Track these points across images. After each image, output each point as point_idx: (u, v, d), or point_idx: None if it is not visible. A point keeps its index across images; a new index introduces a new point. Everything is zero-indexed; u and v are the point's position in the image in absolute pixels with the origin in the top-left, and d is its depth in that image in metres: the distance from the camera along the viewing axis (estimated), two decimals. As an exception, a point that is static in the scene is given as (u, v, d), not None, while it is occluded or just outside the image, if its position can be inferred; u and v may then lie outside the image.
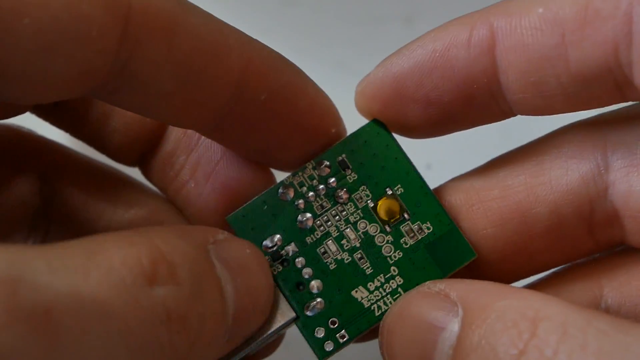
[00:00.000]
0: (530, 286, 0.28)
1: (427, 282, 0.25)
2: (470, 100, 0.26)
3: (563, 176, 0.26)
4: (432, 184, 0.28)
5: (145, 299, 0.20)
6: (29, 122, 0.29)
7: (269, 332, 0.27)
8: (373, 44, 0.41)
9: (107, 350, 0.19)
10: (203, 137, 0.28)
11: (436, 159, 0.35)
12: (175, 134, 0.29)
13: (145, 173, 0.30)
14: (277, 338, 0.29)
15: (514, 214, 0.27)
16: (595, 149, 0.26)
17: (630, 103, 0.25)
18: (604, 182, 0.26)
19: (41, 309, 0.18)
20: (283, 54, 0.26)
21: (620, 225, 0.26)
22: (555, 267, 0.28)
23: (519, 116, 0.27)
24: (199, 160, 0.29)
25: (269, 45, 0.26)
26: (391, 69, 0.26)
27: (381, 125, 0.27)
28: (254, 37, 0.26)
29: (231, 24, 0.25)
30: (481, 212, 0.27)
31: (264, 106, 0.26)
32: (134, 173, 0.31)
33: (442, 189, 0.28)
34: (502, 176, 0.27)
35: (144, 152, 0.30)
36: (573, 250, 0.27)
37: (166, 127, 0.29)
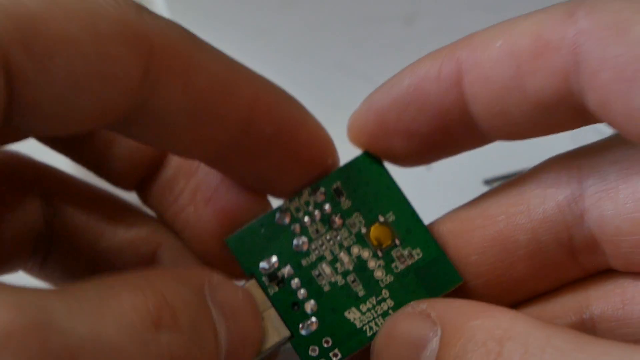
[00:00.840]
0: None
1: (412, 302, 0.26)
2: (447, 131, 0.27)
3: (540, 205, 0.28)
4: (432, 185, 0.28)
5: (153, 344, 0.21)
6: (26, 146, 0.29)
7: (265, 349, 0.28)
8: (373, 44, 0.41)
9: None
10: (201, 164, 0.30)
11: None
12: (176, 160, 0.30)
13: (143, 197, 0.32)
14: (272, 357, 0.30)
15: (495, 242, 0.28)
16: (570, 178, 0.27)
17: (605, 134, 0.27)
18: (579, 209, 0.27)
19: (68, 354, 0.19)
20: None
21: (600, 250, 0.27)
22: (543, 292, 0.29)
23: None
24: (199, 186, 0.30)
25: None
26: (373, 104, 0.28)
27: (373, 156, 0.29)
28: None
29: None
30: (465, 241, 0.28)
31: (269, 140, 0.27)
32: (131, 197, 0.32)
33: (438, 219, 0.29)
34: (485, 206, 0.28)
35: (143, 177, 0.31)
36: (558, 275, 0.29)
37: (167, 154, 0.30)
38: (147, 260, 0.31)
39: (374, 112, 0.28)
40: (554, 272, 0.28)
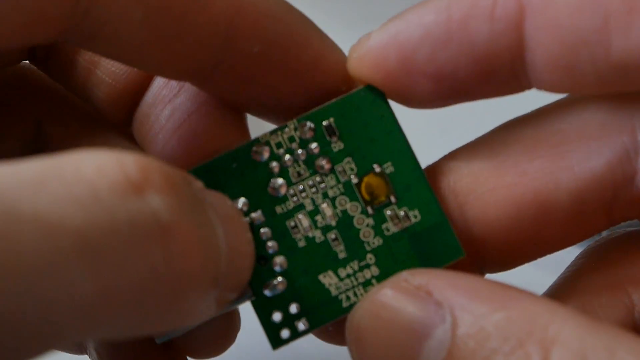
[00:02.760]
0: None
1: (404, 273, 0.22)
2: (488, 77, 0.23)
3: (586, 161, 0.23)
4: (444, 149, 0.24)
5: (126, 210, 0.16)
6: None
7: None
8: None
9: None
10: (183, 88, 0.26)
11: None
12: (157, 85, 0.26)
13: (134, 133, 0.28)
14: (231, 323, 0.26)
15: (531, 204, 0.23)
16: (622, 130, 0.23)
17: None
18: (633, 168, 0.23)
19: None
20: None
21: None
22: (564, 248, 0.25)
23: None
24: (173, 112, 0.26)
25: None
26: (397, 36, 0.23)
27: (377, 92, 0.24)
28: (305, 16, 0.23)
29: None
30: (493, 201, 0.23)
31: (259, 58, 0.23)
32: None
33: (441, 169, 0.24)
34: (515, 159, 0.24)
35: (131, 108, 0.27)
36: (587, 231, 0.24)
37: (152, 79, 0.27)
38: None
39: (397, 45, 0.23)
40: (586, 230, 0.24)
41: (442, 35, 0.22)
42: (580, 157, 0.23)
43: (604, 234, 0.26)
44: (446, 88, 0.23)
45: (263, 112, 0.25)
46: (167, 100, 0.26)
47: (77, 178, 0.16)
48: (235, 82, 0.24)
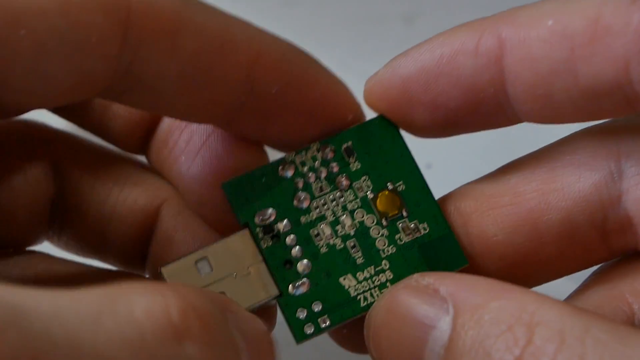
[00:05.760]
0: None
1: (415, 275, 0.24)
2: (477, 108, 0.26)
3: (575, 183, 0.26)
4: (432, 183, 0.27)
5: (165, 356, 0.18)
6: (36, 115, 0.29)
7: (249, 306, 0.26)
8: (373, 44, 0.41)
9: None
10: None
11: (437, 158, 0.34)
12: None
13: (147, 157, 0.30)
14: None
15: (525, 221, 0.26)
16: (608, 157, 0.26)
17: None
18: (617, 190, 0.26)
19: (27, 356, 0.16)
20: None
21: (633, 232, 0.26)
22: (568, 274, 0.28)
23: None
24: (191, 135, 0.28)
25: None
26: (398, 70, 0.26)
27: (390, 121, 0.27)
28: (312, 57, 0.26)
29: None
30: (491, 219, 0.26)
31: (277, 99, 0.26)
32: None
33: (451, 195, 0.28)
34: (513, 182, 0.27)
35: (146, 136, 0.29)
36: (585, 257, 0.27)
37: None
38: (151, 218, 0.29)
39: (399, 78, 0.26)
40: (583, 253, 0.27)
41: (434, 69, 0.26)
42: (569, 180, 0.26)
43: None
44: (441, 117, 0.26)
45: (279, 145, 0.28)
46: (184, 126, 0.28)
47: (129, 319, 0.18)
48: (255, 121, 0.26)
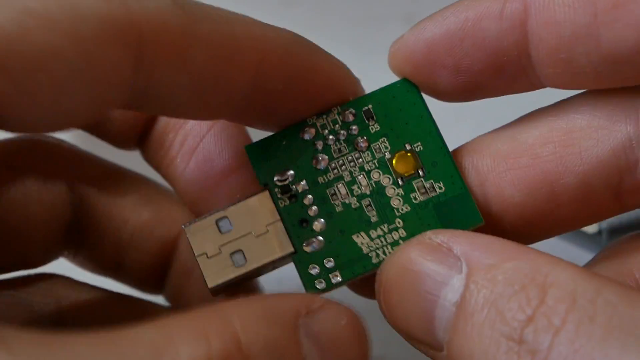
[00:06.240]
0: None
1: (428, 232, 0.24)
2: (500, 71, 0.26)
3: (593, 147, 0.26)
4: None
5: None
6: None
7: (265, 262, 0.27)
8: (373, 44, 0.40)
9: None
10: None
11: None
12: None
13: (145, 157, 0.31)
14: None
15: (542, 184, 0.26)
16: (627, 121, 0.25)
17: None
18: (635, 155, 0.25)
19: None
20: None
21: None
22: (578, 228, 0.28)
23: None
24: (186, 136, 0.29)
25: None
26: (423, 34, 0.27)
27: (411, 84, 0.27)
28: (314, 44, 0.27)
29: None
30: (509, 180, 0.26)
31: (282, 90, 0.26)
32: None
33: (467, 150, 0.28)
34: (530, 143, 0.26)
35: (142, 135, 0.30)
36: (598, 213, 0.27)
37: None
38: (169, 248, 0.30)
39: (423, 41, 0.27)
40: (597, 211, 0.26)
41: (459, 32, 0.26)
42: (587, 144, 0.26)
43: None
44: (464, 80, 0.27)
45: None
46: (178, 127, 0.29)
47: None
48: (264, 112, 0.27)
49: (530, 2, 0.25)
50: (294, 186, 0.27)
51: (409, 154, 0.27)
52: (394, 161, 0.27)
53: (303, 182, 0.27)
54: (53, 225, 0.30)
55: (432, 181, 0.27)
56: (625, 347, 0.19)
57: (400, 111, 0.27)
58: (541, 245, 0.27)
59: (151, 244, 0.30)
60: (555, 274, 0.21)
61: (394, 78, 0.28)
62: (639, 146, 0.25)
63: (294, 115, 0.28)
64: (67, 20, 0.21)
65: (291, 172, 0.27)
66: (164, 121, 0.30)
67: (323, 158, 0.27)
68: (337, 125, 0.27)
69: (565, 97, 0.27)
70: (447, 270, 0.23)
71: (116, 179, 0.31)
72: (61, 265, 0.31)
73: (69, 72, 0.21)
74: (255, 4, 0.40)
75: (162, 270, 0.31)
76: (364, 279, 0.27)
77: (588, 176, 0.26)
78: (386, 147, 0.27)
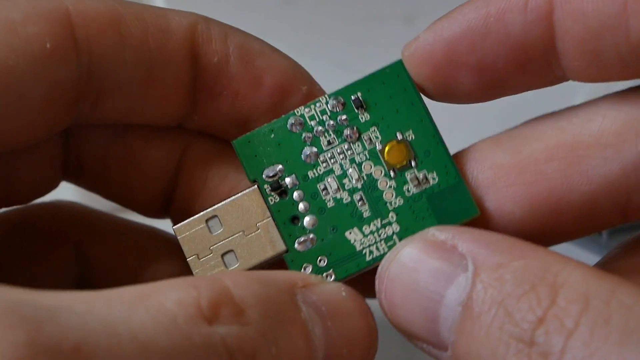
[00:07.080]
0: None
1: (432, 229, 0.24)
2: (525, 66, 0.25)
3: (601, 167, 0.24)
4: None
5: (200, 335, 0.19)
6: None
7: (257, 262, 0.26)
8: (373, 43, 0.41)
9: None
10: (207, 179, 0.29)
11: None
12: (185, 180, 0.29)
13: (173, 221, 0.30)
14: None
15: (545, 201, 0.25)
16: (637, 139, 0.24)
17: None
18: None
19: (69, 345, 0.17)
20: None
21: None
22: (578, 238, 0.27)
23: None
24: (204, 204, 0.28)
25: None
26: (442, 33, 0.25)
27: (402, 69, 0.26)
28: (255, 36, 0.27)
29: (231, 23, 0.27)
30: (510, 196, 0.25)
31: (221, 68, 0.26)
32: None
33: (467, 158, 0.26)
34: (535, 158, 0.25)
35: (165, 203, 0.30)
36: (601, 227, 0.26)
37: (176, 174, 0.30)
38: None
39: (442, 41, 0.25)
40: (599, 226, 0.26)
41: (481, 28, 0.25)
42: (595, 162, 0.24)
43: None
44: (488, 79, 0.25)
45: (239, 122, 0.28)
46: (197, 194, 0.29)
47: (160, 308, 0.19)
48: (210, 99, 0.27)
49: None
50: (283, 182, 0.26)
51: (400, 144, 0.26)
52: (385, 152, 0.26)
53: (292, 177, 0.26)
54: (61, 285, 0.29)
55: (425, 171, 0.26)
56: None
57: (390, 98, 0.26)
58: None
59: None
60: (566, 274, 0.20)
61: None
62: None
63: (247, 107, 0.27)
64: None
65: (280, 166, 0.26)
66: (183, 188, 0.29)
67: (312, 151, 0.26)
68: (325, 115, 0.26)
69: (566, 96, 0.25)
70: (452, 268, 0.22)
71: (125, 235, 0.31)
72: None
73: (9, 72, 0.23)
74: (256, 4, 0.40)
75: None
76: (360, 276, 0.26)
77: (594, 195, 0.24)
78: (377, 137, 0.26)
